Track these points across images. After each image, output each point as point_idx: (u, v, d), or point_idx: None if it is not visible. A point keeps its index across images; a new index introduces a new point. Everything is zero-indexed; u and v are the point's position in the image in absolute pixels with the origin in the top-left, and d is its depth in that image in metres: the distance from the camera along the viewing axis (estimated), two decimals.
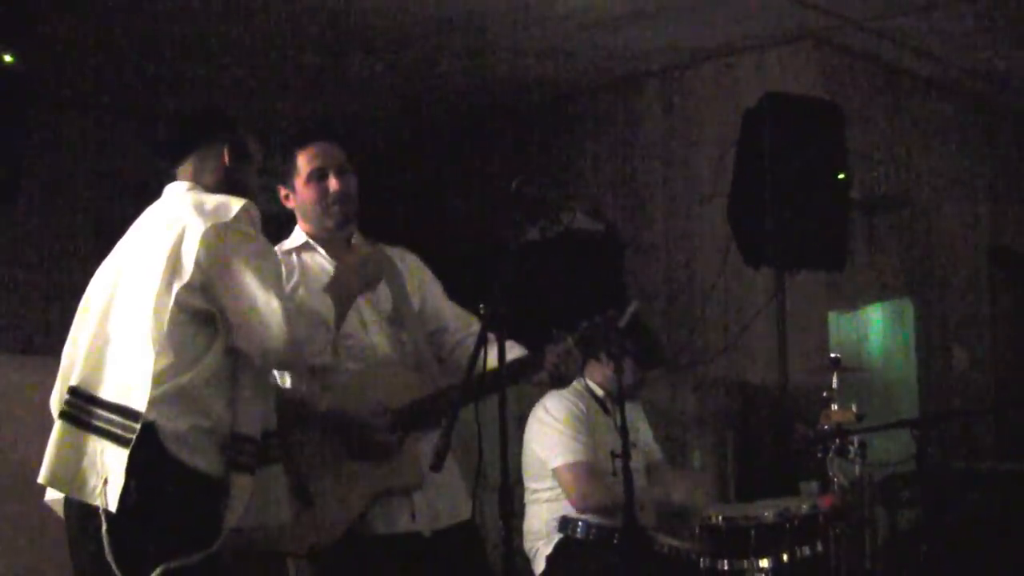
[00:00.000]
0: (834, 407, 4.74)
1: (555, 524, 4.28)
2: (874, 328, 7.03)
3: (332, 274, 3.18)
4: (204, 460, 2.63)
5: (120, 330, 2.70)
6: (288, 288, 3.17)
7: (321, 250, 3.30)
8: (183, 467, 2.60)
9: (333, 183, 3.23)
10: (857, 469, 4.66)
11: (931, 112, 7.46)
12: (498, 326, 2.79)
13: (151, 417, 2.57)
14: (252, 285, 2.65)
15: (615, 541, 4.20)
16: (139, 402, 2.57)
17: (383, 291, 3.26)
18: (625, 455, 3.30)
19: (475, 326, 3.38)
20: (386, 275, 3.23)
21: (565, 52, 6.64)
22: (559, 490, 4.29)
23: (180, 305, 2.65)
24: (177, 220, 2.71)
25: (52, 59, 6.14)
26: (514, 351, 3.22)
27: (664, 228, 7.02)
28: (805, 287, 5.97)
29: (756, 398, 6.26)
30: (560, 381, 3.29)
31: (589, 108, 7.43)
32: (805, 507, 4.06)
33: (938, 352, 7.30)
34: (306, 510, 3.01)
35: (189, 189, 2.83)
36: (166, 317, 2.63)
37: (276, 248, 3.30)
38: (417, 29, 6.17)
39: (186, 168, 2.88)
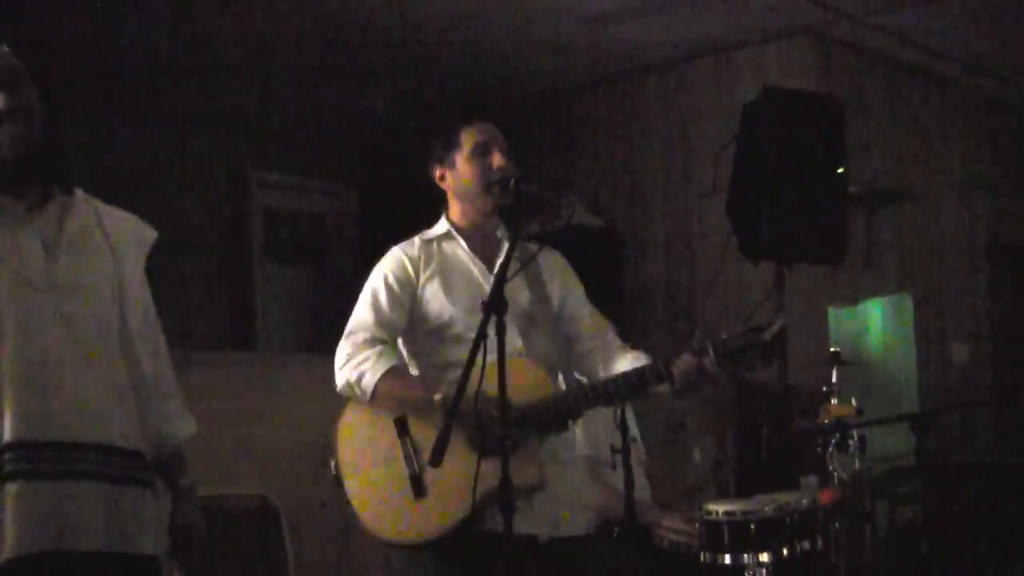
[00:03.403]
0: (834, 401, 4.74)
1: None
2: (873, 323, 7.02)
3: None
4: None
5: None
6: (423, 278, 3.13)
7: (463, 242, 3.23)
8: None
9: (497, 158, 3.17)
10: (857, 463, 4.66)
11: (930, 106, 7.46)
12: (500, 324, 2.76)
13: None
14: None
15: (614, 535, 4.20)
16: None
17: (520, 287, 3.14)
18: (625, 450, 3.30)
19: (609, 335, 3.35)
20: (527, 272, 3.10)
21: (563, 47, 6.63)
22: None
23: None
24: None
25: (46, 55, 6.12)
26: (639, 360, 3.15)
27: (663, 223, 7.02)
28: (804, 282, 5.97)
29: (756, 393, 6.25)
30: (689, 393, 3.08)
31: (588, 103, 7.41)
32: (805, 501, 4.05)
33: (937, 346, 7.30)
34: (418, 501, 2.96)
35: None
36: None
37: (417, 237, 3.25)
38: (416, 24, 6.16)
39: None
